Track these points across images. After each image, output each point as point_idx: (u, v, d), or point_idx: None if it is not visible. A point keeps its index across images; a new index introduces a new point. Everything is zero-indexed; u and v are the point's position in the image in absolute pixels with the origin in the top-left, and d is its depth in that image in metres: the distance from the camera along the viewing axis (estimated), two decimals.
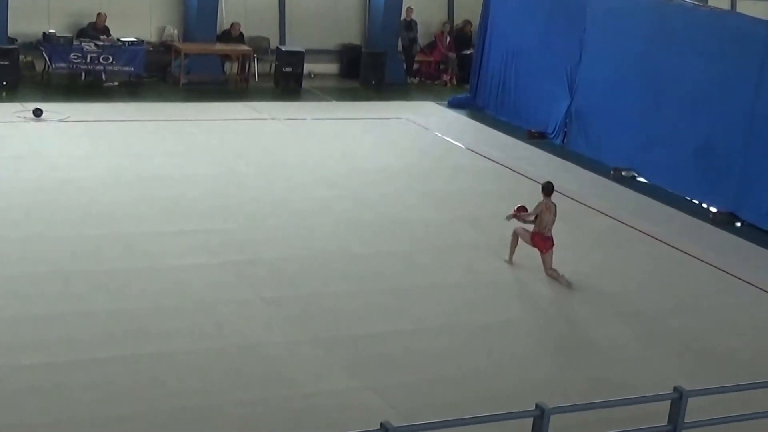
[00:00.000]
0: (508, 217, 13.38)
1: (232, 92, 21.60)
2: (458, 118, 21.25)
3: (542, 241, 13.14)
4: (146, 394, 9.59)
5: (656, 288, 13.42)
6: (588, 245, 14.64)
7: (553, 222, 13.14)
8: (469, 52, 23.98)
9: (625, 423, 9.22)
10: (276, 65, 22.44)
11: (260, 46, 22.86)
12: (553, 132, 20.07)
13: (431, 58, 24.57)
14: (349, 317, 11.60)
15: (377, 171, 16.99)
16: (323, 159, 17.34)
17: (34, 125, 17.55)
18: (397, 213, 15.12)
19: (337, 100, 21.81)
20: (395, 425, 7.85)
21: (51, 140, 16.79)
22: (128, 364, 10.05)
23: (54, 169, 15.37)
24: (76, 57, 20.29)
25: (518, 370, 10.87)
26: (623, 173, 18.16)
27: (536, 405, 8.46)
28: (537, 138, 20.02)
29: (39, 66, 20.59)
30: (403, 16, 23.97)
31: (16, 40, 20.51)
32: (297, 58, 22.27)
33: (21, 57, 20.31)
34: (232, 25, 22.43)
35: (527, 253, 13.30)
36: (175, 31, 22.08)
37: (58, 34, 20.45)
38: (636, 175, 18.17)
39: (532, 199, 13.55)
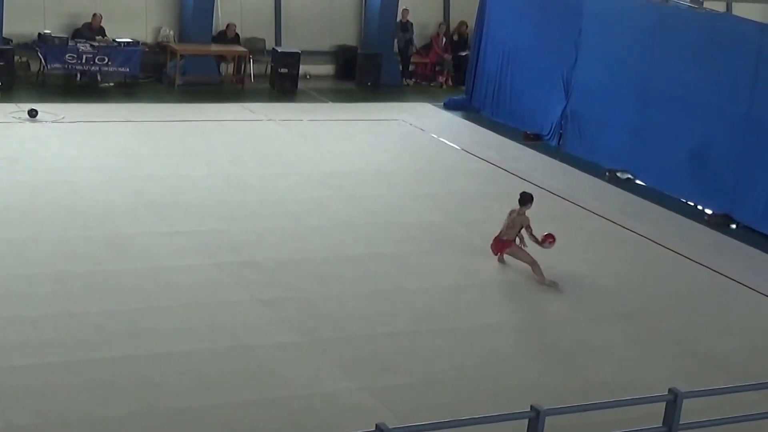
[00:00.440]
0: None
1: (227, 93, 21.58)
2: (454, 120, 21.24)
3: (496, 243, 13.36)
4: (140, 394, 9.58)
5: (651, 289, 13.42)
6: (583, 246, 14.64)
7: (514, 231, 13.21)
8: (464, 53, 23.97)
9: (620, 425, 9.21)
10: (272, 66, 22.42)
11: (256, 47, 22.84)
12: (548, 134, 20.07)
13: (427, 60, 24.55)
14: (344, 318, 11.60)
15: (373, 172, 16.98)
16: (318, 160, 17.34)
17: (29, 126, 17.52)
18: (392, 214, 15.12)
19: (333, 101, 21.80)
20: (391, 426, 7.85)
21: (46, 141, 16.76)
22: (122, 365, 10.04)
23: (49, 170, 15.34)
24: (71, 57, 20.25)
25: (513, 371, 10.87)
26: (618, 175, 18.17)
27: (531, 406, 8.47)
28: (532, 140, 20.02)
29: (34, 66, 20.54)
30: (399, 17, 23.95)
31: (11, 41, 20.47)
32: (293, 59, 22.25)
33: (16, 57, 20.26)
34: (227, 26, 22.40)
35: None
36: (171, 32, 22.05)
37: (53, 35, 20.41)
38: (631, 176, 18.18)
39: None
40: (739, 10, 22.72)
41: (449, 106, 22.02)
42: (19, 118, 17.77)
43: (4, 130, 17.14)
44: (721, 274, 14.07)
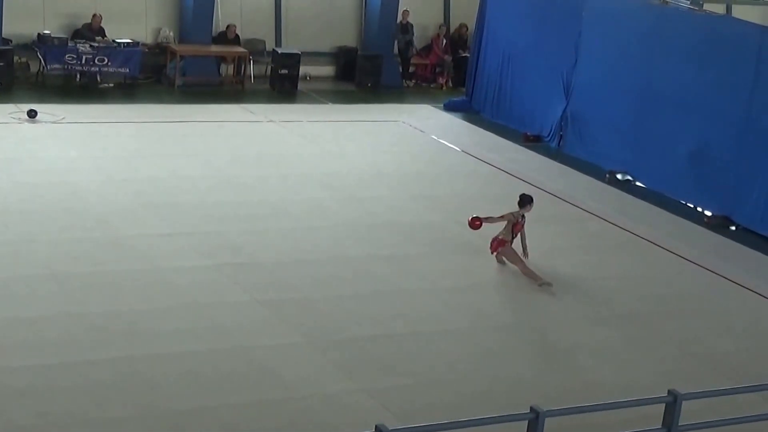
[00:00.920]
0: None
1: (227, 94, 21.58)
2: (454, 121, 21.25)
3: (492, 242, 13.37)
4: (140, 395, 9.57)
5: (650, 291, 13.42)
6: (582, 248, 14.64)
7: (509, 231, 13.25)
8: (465, 55, 23.99)
9: (619, 426, 9.22)
10: (272, 67, 22.43)
11: (256, 48, 22.85)
12: (548, 135, 20.08)
13: (427, 61, 24.56)
14: (344, 319, 11.59)
15: (373, 173, 16.98)
16: (318, 161, 17.34)
17: (29, 126, 17.52)
18: (392, 215, 15.12)
19: (333, 102, 21.81)
20: (390, 428, 7.84)
21: (45, 142, 16.76)
22: (121, 366, 10.03)
23: (48, 171, 15.34)
24: (71, 58, 20.26)
25: (513, 372, 10.87)
26: (618, 176, 18.17)
27: (531, 408, 8.47)
28: (532, 141, 20.03)
29: (34, 67, 20.55)
30: (399, 18, 23.97)
31: (11, 41, 20.48)
32: (293, 60, 22.27)
33: (16, 58, 20.27)
34: (227, 26, 22.42)
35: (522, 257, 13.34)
36: (171, 33, 22.07)
37: (53, 35, 20.42)
38: (631, 178, 18.18)
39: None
40: (739, 12, 22.73)
41: (449, 108, 22.03)
42: (19, 118, 17.77)
43: (3, 130, 17.13)
44: (721, 276, 14.07)
